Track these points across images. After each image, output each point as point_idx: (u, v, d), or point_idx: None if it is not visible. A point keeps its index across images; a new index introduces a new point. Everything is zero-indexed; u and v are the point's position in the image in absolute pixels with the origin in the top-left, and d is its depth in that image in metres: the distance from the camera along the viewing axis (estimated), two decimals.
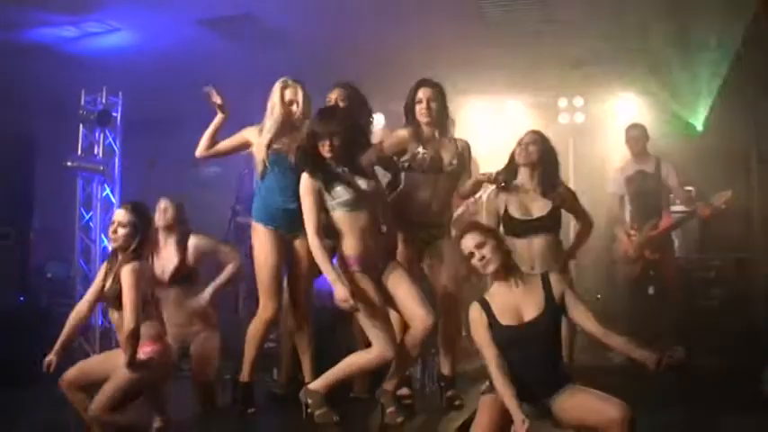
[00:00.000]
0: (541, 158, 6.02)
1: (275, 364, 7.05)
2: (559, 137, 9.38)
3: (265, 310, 5.93)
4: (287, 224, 5.88)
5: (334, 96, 6.30)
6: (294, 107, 5.89)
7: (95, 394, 5.25)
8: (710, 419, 7.01)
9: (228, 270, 6.42)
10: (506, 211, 5.93)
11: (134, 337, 5.15)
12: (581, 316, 4.74)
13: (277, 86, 5.94)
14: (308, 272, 6.00)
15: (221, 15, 9.25)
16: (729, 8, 8.58)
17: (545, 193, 6.05)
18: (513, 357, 4.58)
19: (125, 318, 5.17)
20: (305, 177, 5.36)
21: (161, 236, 6.50)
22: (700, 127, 10.58)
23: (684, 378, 7.87)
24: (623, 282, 8.68)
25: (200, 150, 6.14)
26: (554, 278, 4.79)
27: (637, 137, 8.83)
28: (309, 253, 5.61)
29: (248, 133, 6.04)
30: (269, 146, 5.88)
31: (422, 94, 6.02)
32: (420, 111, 6.00)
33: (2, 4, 8.95)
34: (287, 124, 5.88)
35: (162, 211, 6.50)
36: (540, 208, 6.00)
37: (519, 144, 6.06)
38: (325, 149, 5.30)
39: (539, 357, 4.65)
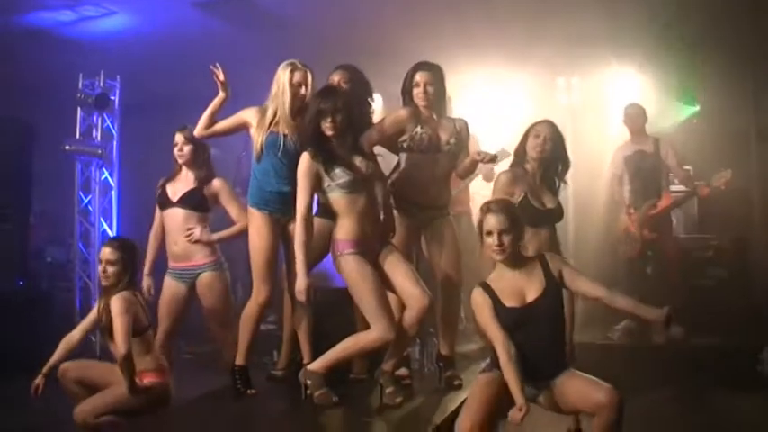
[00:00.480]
0: (555, 154, 5.99)
1: (275, 347, 7.06)
2: (557, 116, 9.39)
3: (259, 292, 5.95)
4: (281, 207, 5.87)
5: (336, 78, 6.28)
6: (302, 90, 5.86)
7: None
8: (708, 398, 7.04)
9: (237, 226, 6.41)
10: (526, 198, 5.86)
11: (126, 361, 5.23)
12: (584, 285, 4.75)
13: (285, 69, 5.90)
14: None
15: None
16: None
17: (550, 187, 6.05)
18: (519, 339, 4.59)
19: (116, 343, 5.26)
20: (305, 158, 5.36)
21: (183, 169, 6.54)
22: (698, 106, 10.56)
23: (682, 357, 7.94)
24: (622, 261, 8.69)
25: (198, 129, 6.13)
26: (550, 257, 4.81)
27: (634, 116, 8.84)
28: None
29: (247, 114, 6.02)
30: (267, 128, 5.88)
31: (419, 77, 5.99)
32: (417, 95, 5.98)
33: None
34: (294, 108, 5.86)
35: (178, 148, 6.49)
36: (550, 200, 6.00)
37: (536, 136, 5.96)
38: (327, 126, 5.30)
39: (543, 338, 4.67)
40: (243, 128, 6.07)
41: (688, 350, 8.13)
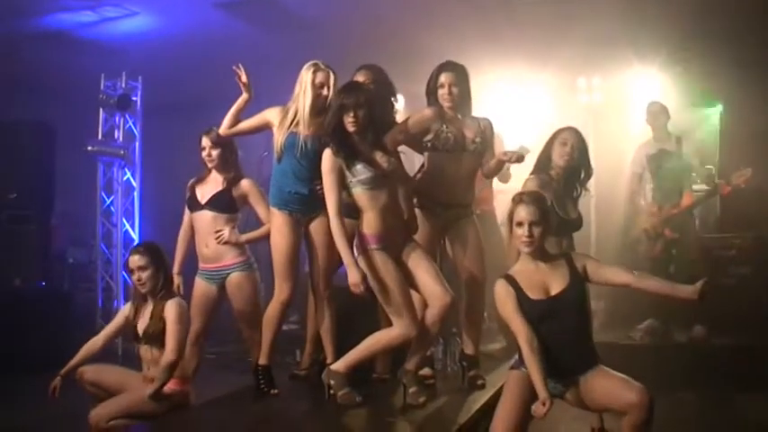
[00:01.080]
0: (580, 162, 5.97)
1: (298, 347, 7.07)
2: (578, 116, 9.39)
3: (281, 291, 5.96)
4: (301, 208, 5.91)
5: (360, 78, 6.28)
6: (324, 91, 5.88)
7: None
8: (731, 398, 7.02)
9: (266, 227, 6.41)
10: (552, 206, 5.80)
11: (172, 369, 5.32)
12: (609, 273, 4.71)
13: (308, 70, 5.92)
14: (327, 253, 5.99)
15: None
16: None
17: (572, 195, 6.04)
18: (543, 332, 4.57)
19: (167, 349, 5.34)
20: (327, 155, 5.34)
21: (212, 172, 6.51)
22: (720, 106, 10.53)
23: (705, 357, 7.91)
24: (644, 260, 8.65)
25: (223, 128, 6.17)
26: (574, 254, 4.81)
27: (657, 113, 8.79)
28: (325, 235, 5.71)
29: (270, 114, 6.02)
30: (288, 128, 5.90)
31: (444, 78, 5.98)
32: (442, 95, 5.97)
33: None
34: (315, 109, 5.87)
35: (206, 153, 6.45)
36: (573, 209, 5.98)
37: (563, 143, 5.94)
38: (349, 122, 5.27)
39: (568, 332, 4.64)
40: (266, 127, 6.08)
41: (710, 350, 8.10)
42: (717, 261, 9.03)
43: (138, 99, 11.25)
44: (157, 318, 5.47)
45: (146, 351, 5.52)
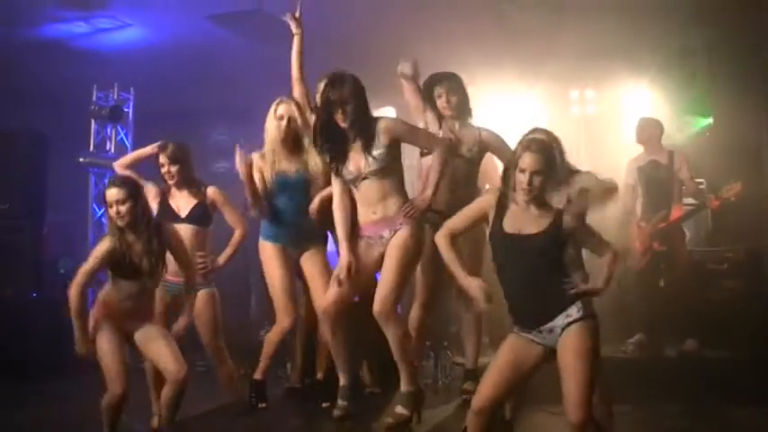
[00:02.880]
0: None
1: (288, 358, 7.07)
2: (571, 129, 9.39)
3: (282, 321, 6.04)
4: (294, 240, 6.06)
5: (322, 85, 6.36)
6: (284, 122, 5.93)
7: None
8: (722, 412, 7.01)
9: (236, 238, 6.42)
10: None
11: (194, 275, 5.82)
12: (592, 247, 4.60)
13: (273, 104, 6.07)
14: (322, 282, 6.00)
15: (232, 11, 9.25)
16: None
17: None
18: (510, 271, 4.50)
19: (185, 263, 5.71)
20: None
21: (173, 190, 6.47)
22: (711, 119, 10.55)
23: (696, 371, 7.90)
24: (632, 273, 8.66)
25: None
26: (568, 216, 4.50)
27: (646, 128, 8.79)
28: (318, 264, 6.02)
29: (255, 159, 6.14)
30: (273, 168, 5.97)
31: (439, 90, 6.04)
32: (442, 106, 6.01)
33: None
34: (285, 143, 5.91)
35: (165, 170, 6.42)
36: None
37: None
38: (339, 117, 5.25)
39: (534, 277, 4.47)
40: (260, 171, 6.11)
41: (701, 363, 8.10)
42: (708, 275, 9.03)
43: (129, 110, 11.24)
44: (159, 242, 5.49)
45: (141, 284, 5.54)
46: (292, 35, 6.60)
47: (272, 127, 6.06)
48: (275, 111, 6.05)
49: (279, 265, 5.97)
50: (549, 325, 4.38)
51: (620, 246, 4.66)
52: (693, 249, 9.19)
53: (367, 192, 5.29)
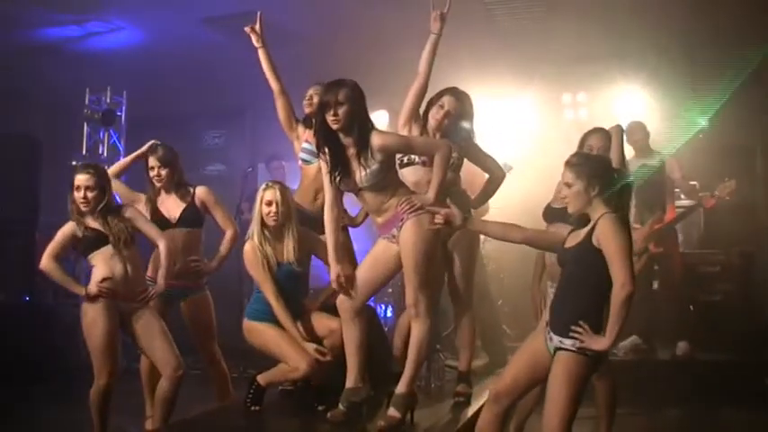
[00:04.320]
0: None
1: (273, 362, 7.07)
2: (563, 132, 9.39)
3: (300, 369, 5.92)
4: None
5: (310, 92, 6.33)
6: (273, 208, 5.88)
7: None
8: (715, 414, 7.02)
9: (228, 239, 6.45)
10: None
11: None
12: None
13: (260, 189, 6.01)
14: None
15: (225, 13, 9.24)
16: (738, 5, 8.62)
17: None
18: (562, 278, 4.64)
19: (155, 235, 5.76)
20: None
21: (162, 194, 6.47)
22: (704, 122, 10.57)
23: (689, 373, 7.91)
24: None
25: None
26: (602, 227, 4.48)
27: (635, 132, 8.78)
28: None
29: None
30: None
31: (446, 102, 5.99)
32: (436, 114, 5.97)
33: (6, 3, 8.96)
34: (275, 228, 5.91)
35: (155, 173, 6.41)
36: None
37: None
38: (330, 119, 5.11)
39: (562, 287, 4.60)
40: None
41: (694, 366, 8.11)
42: (701, 277, 9.05)
43: (122, 114, 11.22)
44: (121, 220, 5.66)
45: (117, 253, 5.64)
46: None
47: (256, 213, 6.00)
48: (262, 197, 5.93)
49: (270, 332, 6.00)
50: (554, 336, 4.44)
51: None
52: (686, 252, 9.20)
53: (367, 200, 5.26)
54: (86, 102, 10.91)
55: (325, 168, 5.27)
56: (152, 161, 6.40)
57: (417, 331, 5.22)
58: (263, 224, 5.87)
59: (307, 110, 6.34)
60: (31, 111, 10.81)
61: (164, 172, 6.35)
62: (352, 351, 5.44)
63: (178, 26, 9.65)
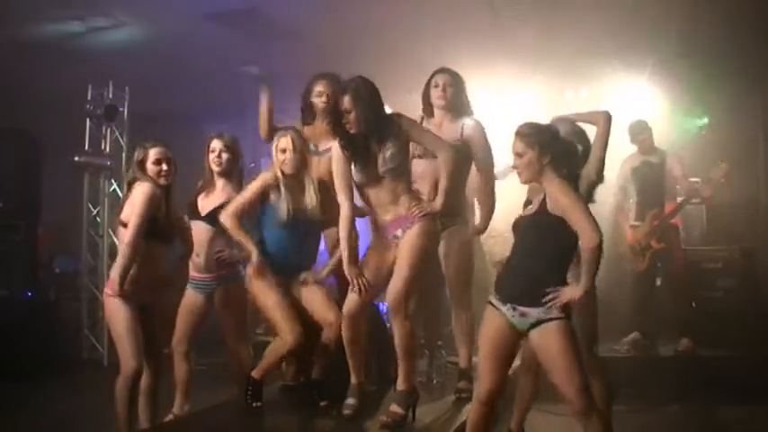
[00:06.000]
0: None
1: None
2: None
3: (286, 342, 5.91)
4: (285, 269, 5.94)
5: (320, 89, 6.30)
6: (287, 155, 5.85)
7: None
8: (717, 410, 7.02)
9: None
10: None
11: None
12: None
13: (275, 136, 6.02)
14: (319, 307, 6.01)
15: (228, 9, 9.24)
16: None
17: None
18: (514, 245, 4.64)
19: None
20: (335, 148, 5.36)
21: (216, 181, 6.46)
22: (707, 118, 10.57)
23: (691, 369, 7.91)
24: (630, 273, 8.66)
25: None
26: (554, 190, 4.54)
27: (638, 130, 8.76)
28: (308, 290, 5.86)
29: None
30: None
31: (439, 79, 6.05)
32: (436, 95, 6.02)
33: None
34: (292, 177, 5.88)
35: (216, 155, 6.42)
36: None
37: None
38: (348, 126, 5.19)
39: (519, 257, 4.59)
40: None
41: (696, 362, 8.11)
42: (703, 274, 9.03)
43: (124, 110, 11.21)
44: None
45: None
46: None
47: (275, 161, 6.00)
48: (277, 144, 5.93)
49: (272, 292, 5.94)
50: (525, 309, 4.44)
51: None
52: (688, 248, 9.19)
53: (379, 193, 5.26)
54: (88, 97, 10.92)
55: (339, 165, 5.29)
56: (216, 143, 6.43)
57: (398, 328, 5.25)
58: (282, 173, 5.87)
59: (321, 106, 6.29)
60: (32, 106, 10.78)
61: (225, 156, 6.37)
62: (354, 351, 5.51)
63: (180, 21, 9.63)
